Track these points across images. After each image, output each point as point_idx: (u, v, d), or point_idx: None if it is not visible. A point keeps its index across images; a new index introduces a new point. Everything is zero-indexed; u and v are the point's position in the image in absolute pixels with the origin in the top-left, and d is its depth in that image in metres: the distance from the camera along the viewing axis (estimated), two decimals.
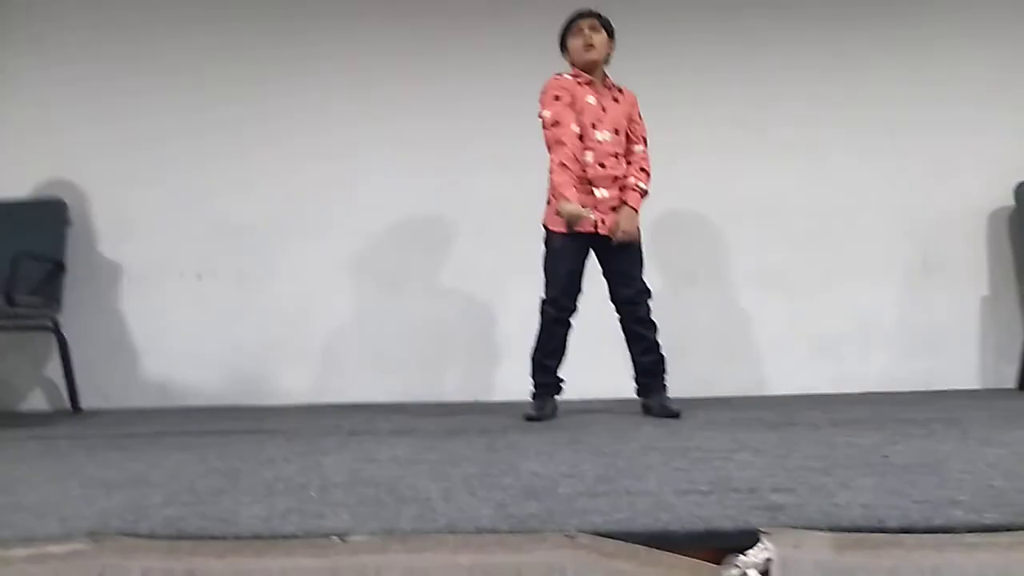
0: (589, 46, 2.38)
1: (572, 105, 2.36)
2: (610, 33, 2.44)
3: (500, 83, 3.24)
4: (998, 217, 3.33)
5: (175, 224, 3.27)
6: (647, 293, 2.43)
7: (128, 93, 3.30)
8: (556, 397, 2.47)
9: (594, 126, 2.37)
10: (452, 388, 3.21)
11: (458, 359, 3.26)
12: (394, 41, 3.32)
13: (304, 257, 3.26)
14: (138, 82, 3.30)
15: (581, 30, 2.40)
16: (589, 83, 2.41)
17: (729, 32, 3.32)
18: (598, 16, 2.43)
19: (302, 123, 3.29)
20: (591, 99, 2.39)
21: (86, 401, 3.13)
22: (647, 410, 2.43)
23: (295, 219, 3.27)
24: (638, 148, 2.46)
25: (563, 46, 2.47)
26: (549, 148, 2.35)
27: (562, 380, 2.47)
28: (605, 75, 2.46)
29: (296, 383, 3.20)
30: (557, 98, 2.36)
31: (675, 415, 2.33)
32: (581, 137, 2.36)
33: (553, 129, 2.33)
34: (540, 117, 2.37)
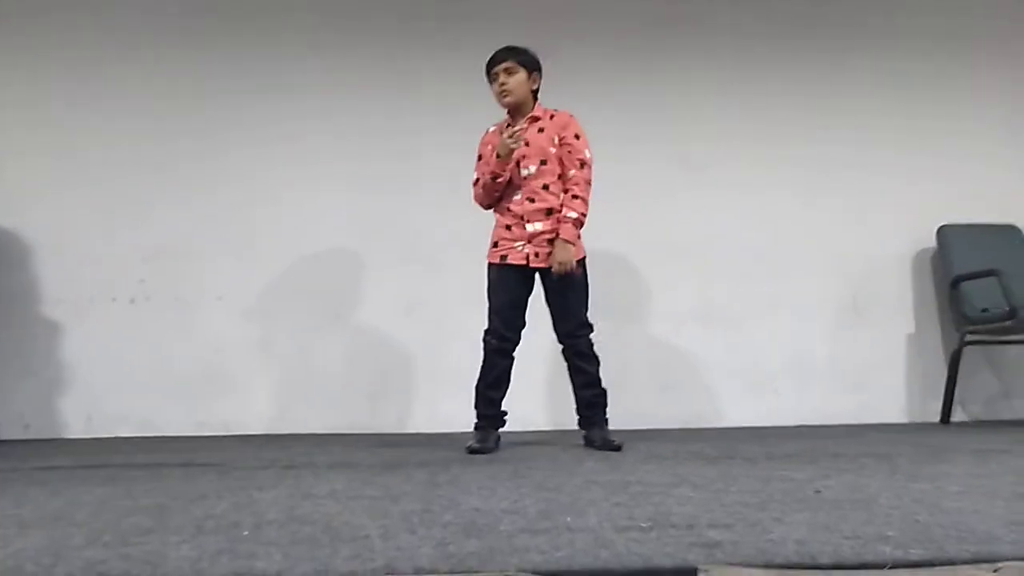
0: (503, 93, 2.41)
1: (491, 152, 2.41)
2: (530, 66, 2.42)
3: (453, 108, 3.26)
4: (922, 258, 3.50)
5: (109, 247, 3.15)
6: (587, 327, 2.43)
7: (59, 106, 3.19)
8: (499, 429, 2.46)
9: (518, 163, 2.40)
10: (394, 419, 3.17)
11: (401, 389, 3.22)
12: (342, 60, 3.31)
13: (244, 283, 3.18)
14: (70, 95, 3.20)
15: (496, 77, 2.41)
16: (510, 125, 2.45)
17: (665, 71, 3.43)
18: (513, 55, 2.40)
19: (245, 141, 3.24)
20: (504, 134, 2.39)
21: (5, 431, 2.96)
22: (588, 442, 2.44)
23: (235, 241, 3.19)
24: (571, 173, 2.38)
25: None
26: (477, 200, 2.49)
27: (504, 412, 2.46)
28: (533, 106, 2.45)
29: (233, 413, 3.11)
30: (480, 157, 2.48)
31: (616, 448, 2.34)
32: (511, 180, 2.40)
33: (474, 187, 2.47)
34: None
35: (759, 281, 3.38)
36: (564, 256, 2.36)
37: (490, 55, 2.43)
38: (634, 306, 3.34)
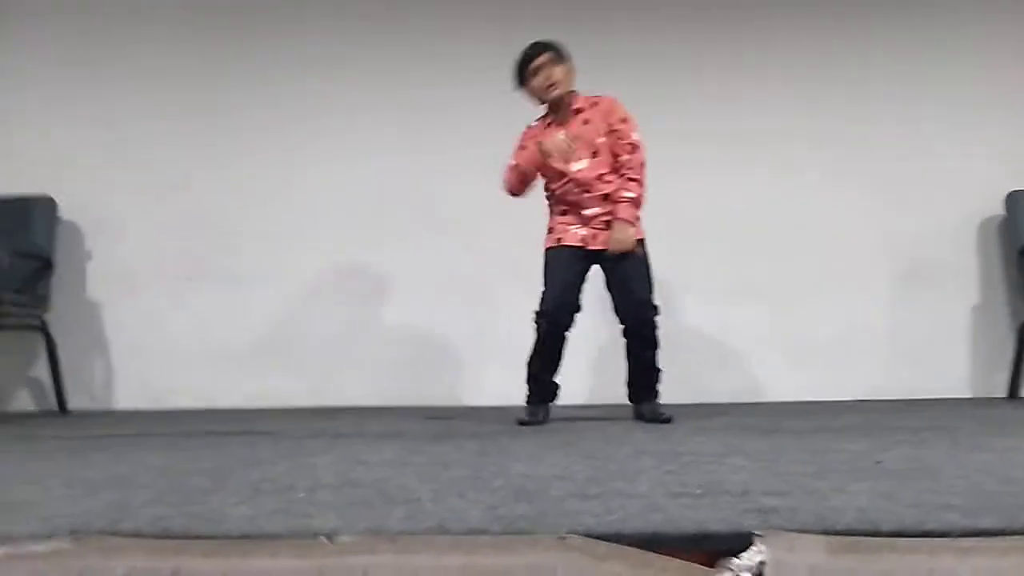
0: (551, 85, 2.34)
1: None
2: (566, 58, 2.37)
3: (489, 82, 3.21)
4: (988, 226, 3.35)
5: (166, 225, 3.25)
6: (652, 308, 2.36)
7: (121, 94, 3.29)
8: (550, 403, 2.45)
9: (567, 161, 2.36)
10: (442, 392, 3.20)
11: (448, 363, 3.25)
12: (379, 47, 3.31)
13: (294, 260, 3.24)
14: (130, 83, 3.29)
15: (536, 72, 2.33)
16: (553, 122, 2.39)
17: (706, 48, 3.33)
18: (547, 48, 2.34)
19: (292, 128, 3.29)
20: (561, 135, 2.35)
21: (73, 402, 3.10)
22: (638, 415, 2.43)
23: (285, 222, 3.25)
24: (623, 158, 2.34)
25: (519, 83, 2.39)
26: (506, 189, 2.45)
27: (557, 387, 2.45)
28: (573, 100, 2.39)
29: (285, 386, 3.18)
30: (523, 147, 2.42)
31: (666, 420, 2.32)
32: (560, 173, 2.36)
33: (509, 173, 2.42)
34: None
35: (811, 252, 3.29)
36: (623, 235, 2.31)
37: (518, 59, 2.35)
38: (683, 282, 3.28)
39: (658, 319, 2.37)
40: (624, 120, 2.36)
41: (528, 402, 2.44)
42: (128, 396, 3.17)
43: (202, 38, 3.30)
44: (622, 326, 2.39)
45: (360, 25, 3.31)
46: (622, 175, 2.34)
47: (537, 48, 2.36)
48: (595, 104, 2.40)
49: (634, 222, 2.33)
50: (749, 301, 3.28)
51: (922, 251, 3.32)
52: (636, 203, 2.33)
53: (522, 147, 2.42)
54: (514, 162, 2.42)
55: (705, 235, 3.27)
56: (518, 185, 2.41)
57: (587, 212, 2.35)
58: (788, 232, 3.29)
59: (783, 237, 3.28)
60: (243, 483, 1.37)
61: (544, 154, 2.31)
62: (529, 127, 2.46)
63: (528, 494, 1.24)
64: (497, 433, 2.14)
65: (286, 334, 3.22)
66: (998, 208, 3.29)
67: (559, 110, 2.39)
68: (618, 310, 2.39)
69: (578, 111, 2.39)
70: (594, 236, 2.35)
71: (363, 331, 3.25)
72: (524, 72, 2.37)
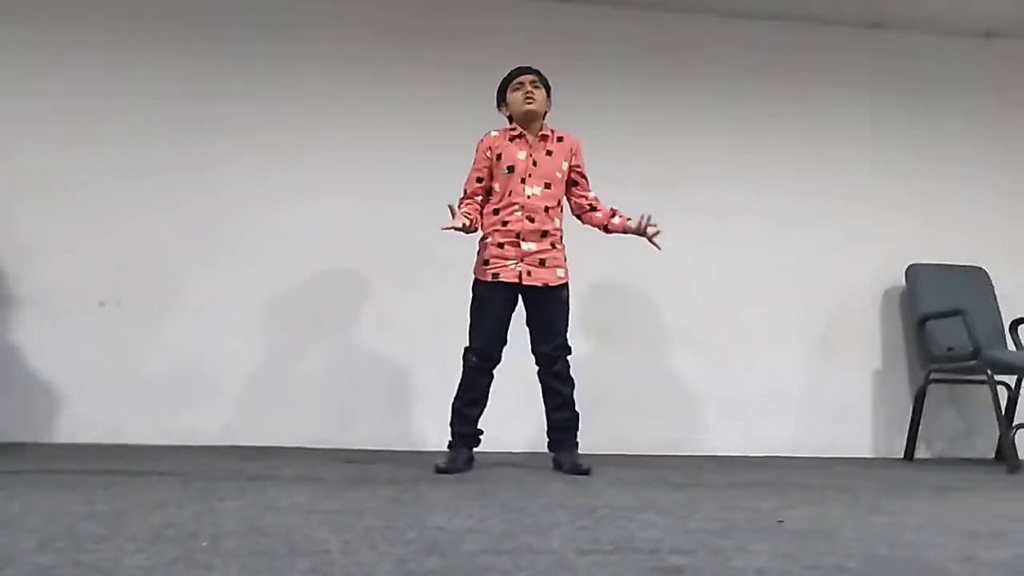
0: (529, 98, 2.45)
1: (499, 160, 2.44)
2: (548, 89, 2.53)
3: (431, 129, 3.28)
4: (891, 295, 3.57)
5: (77, 249, 3.09)
6: (566, 349, 2.44)
7: (38, 110, 3.14)
8: (473, 449, 2.45)
9: (523, 181, 2.42)
10: (364, 435, 3.13)
11: (374, 406, 3.19)
12: (328, 73, 3.30)
13: (215, 290, 3.14)
14: (51, 99, 3.15)
15: (523, 84, 2.47)
16: (520, 137, 2.47)
17: (646, 99, 3.46)
18: (537, 73, 2.51)
19: (225, 152, 3.21)
20: (522, 155, 2.44)
21: None
22: (557, 466, 2.44)
23: (209, 249, 3.15)
24: (591, 194, 2.56)
25: (501, 101, 2.53)
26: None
27: (480, 432, 2.45)
28: (541, 127, 2.50)
29: (200, 423, 3.05)
30: (476, 162, 2.49)
31: (584, 472, 2.34)
32: (510, 193, 2.42)
33: (463, 198, 2.48)
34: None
35: (737, 310, 3.41)
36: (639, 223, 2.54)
37: (509, 73, 2.50)
38: (613, 331, 3.35)
39: (570, 359, 2.46)
40: (585, 173, 2.56)
41: (451, 446, 2.42)
42: (27, 429, 2.98)
43: (138, 65, 3.21)
44: (538, 365, 2.44)
45: (298, 65, 3.29)
46: (591, 207, 2.57)
47: (524, 68, 2.51)
48: (561, 139, 2.52)
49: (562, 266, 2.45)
50: (676, 353, 3.36)
51: (836, 316, 3.49)
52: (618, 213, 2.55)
53: (476, 164, 2.47)
54: (468, 179, 2.50)
55: (639, 287, 3.36)
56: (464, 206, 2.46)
57: (526, 247, 2.40)
58: (717, 290, 3.41)
59: (715, 295, 3.40)
60: (143, 529, 1.31)
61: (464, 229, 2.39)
62: (490, 135, 2.49)
63: (441, 548, 1.23)
64: (416, 479, 2.12)
65: (203, 368, 3.10)
66: (901, 279, 3.51)
67: (529, 128, 2.48)
68: (537, 347, 2.43)
69: (544, 137, 2.50)
70: (528, 273, 2.40)
71: (286, 369, 3.16)
72: (508, 84, 2.49)
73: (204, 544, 1.21)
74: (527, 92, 2.45)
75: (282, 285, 3.19)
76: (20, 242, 3.07)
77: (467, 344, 2.42)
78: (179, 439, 3.00)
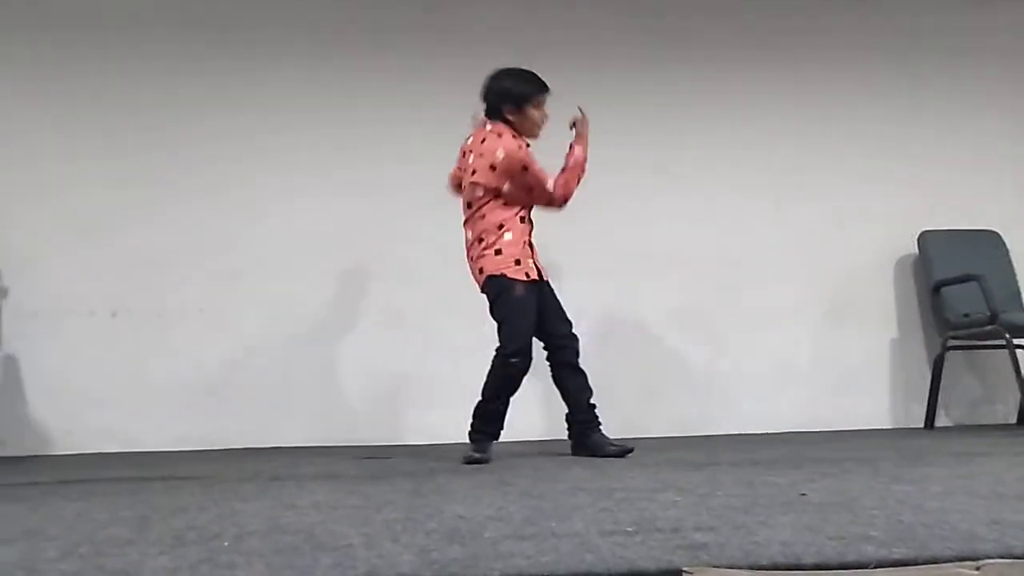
0: (542, 125, 2.43)
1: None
2: None
3: (422, 122, 3.26)
4: (904, 264, 3.53)
5: (89, 262, 3.11)
6: (573, 329, 2.47)
7: (33, 116, 3.14)
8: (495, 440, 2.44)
9: None
10: (379, 431, 3.14)
11: (388, 401, 3.20)
12: (324, 72, 3.30)
13: (224, 297, 3.15)
14: (46, 108, 3.16)
15: (543, 104, 2.41)
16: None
17: (643, 79, 3.43)
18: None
19: (223, 154, 3.21)
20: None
21: None
22: (591, 449, 2.40)
23: (212, 253, 3.16)
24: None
25: (517, 102, 2.39)
26: (567, 200, 2.42)
27: (503, 427, 2.44)
28: None
29: (216, 427, 3.07)
30: (463, 154, 2.45)
31: (628, 451, 2.34)
32: (551, 200, 2.44)
33: (558, 187, 2.39)
34: (524, 164, 2.35)
35: (742, 288, 3.40)
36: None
37: (539, 78, 2.42)
38: (619, 315, 3.34)
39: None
40: None
41: (476, 439, 2.40)
42: (42, 442, 3.00)
43: (131, 72, 3.21)
44: (558, 351, 2.42)
45: (290, 65, 3.27)
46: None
47: (547, 88, 2.42)
48: None
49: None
50: (684, 334, 3.36)
51: (844, 288, 3.47)
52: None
53: (537, 163, 2.39)
54: (576, 173, 2.43)
55: (642, 270, 3.35)
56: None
57: (535, 246, 2.44)
58: (722, 269, 3.39)
59: (717, 274, 3.39)
60: (165, 532, 1.31)
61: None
62: (520, 139, 2.39)
63: (462, 536, 1.23)
64: (434, 472, 2.12)
65: (217, 373, 3.11)
66: (912, 247, 3.48)
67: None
68: (550, 335, 2.42)
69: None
70: (542, 267, 2.45)
71: (299, 370, 3.17)
72: (537, 96, 2.39)
73: (227, 544, 1.21)
74: (545, 119, 2.42)
75: (287, 285, 3.19)
76: (23, 255, 3.08)
77: (508, 347, 2.34)
78: (195, 444, 3.02)
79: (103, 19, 3.21)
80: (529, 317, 2.37)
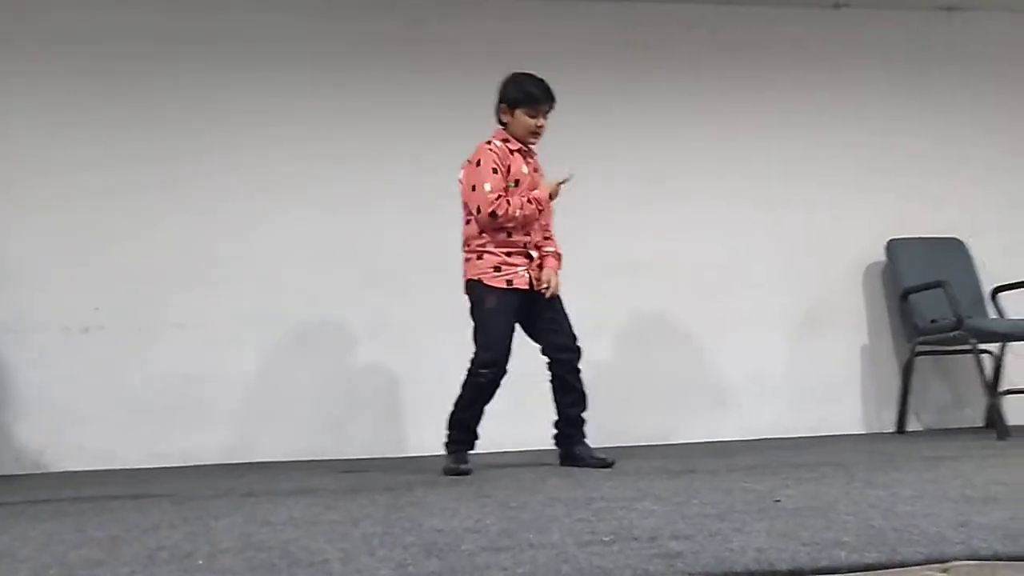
0: (539, 133, 2.41)
1: (508, 173, 2.38)
2: None
3: (408, 135, 3.27)
4: (872, 271, 3.60)
5: (60, 274, 3.06)
6: (576, 343, 2.44)
7: (12, 132, 3.11)
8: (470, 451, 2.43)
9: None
10: (358, 445, 3.12)
11: (365, 415, 3.18)
12: (304, 86, 3.29)
13: (200, 308, 3.11)
14: (24, 121, 3.12)
15: (538, 115, 2.39)
16: (519, 150, 2.42)
17: (625, 89, 3.47)
18: (554, 103, 2.40)
19: (202, 167, 3.19)
20: (524, 169, 2.41)
21: None
22: (573, 460, 2.40)
23: (191, 268, 3.13)
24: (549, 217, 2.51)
25: (507, 102, 2.39)
26: (498, 218, 2.32)
27: (477, 436, 2.44)
28: None
29: (192, 443, 3.03)
30: (495, 171, 2.34)
31: (608, 465, 2.33)
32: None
33: (498, 201, 2.31)
34: (473, 187, 2.34)
35: (718, 296, 3.43)
36: (556, 281, 2.42)
37: (542, 86, 2.38)
38: (597, 323, 3.35)
39: None
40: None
41: (454, 451, 2.38)
42: (13, 461, 2.94)
43: (112, 84, 3.18)
44: (556, 363, 2.41)
45: (274, 78, 3.26)
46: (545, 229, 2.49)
47: (551, 93, 2.39)
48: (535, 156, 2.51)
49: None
50: (661, 342, 3.38)
51: (817, 296, 3.52)
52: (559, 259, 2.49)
53: (494, 170, 2.33)
54: (498, 194, 2.32)
55: (620, 278, 3.37)
56: (521, 222, 2.35)
57: (533, 255, 2.42)
58: (699, 278, 3.43)
59: (695, 283, 3.42)
60: (137, 552, 1.29)
61: (553, 195, 2.40)
62: (496, 144, 2.39)
63: (439, 549, 1.23)
64: (412, 485, 2.11)
65: (192, 387, 3.07)
66: (881, 255, 3.54)
67: (526, 145, 2.44)
68: (551, 348, 2.42)
69: (533, 153, 2.48)
70: (537, 279, 2.41)
71: (275, 383, 3.14)
72: (526, 101, 2.36)
73: (200, 563, 1.19)
74: (540, 126, 2.40)
75: (266, 299, 3.16)
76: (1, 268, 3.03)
77: (478, 357, 2.33)
78: (172, 461, 2.97)
79: (89, 32, 3.18)
80: (502, 327, 2.35)
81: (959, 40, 3.76)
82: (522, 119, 2.39)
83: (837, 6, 3.68)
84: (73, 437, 2.98)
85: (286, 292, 3.18)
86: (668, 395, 3.36)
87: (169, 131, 3.18)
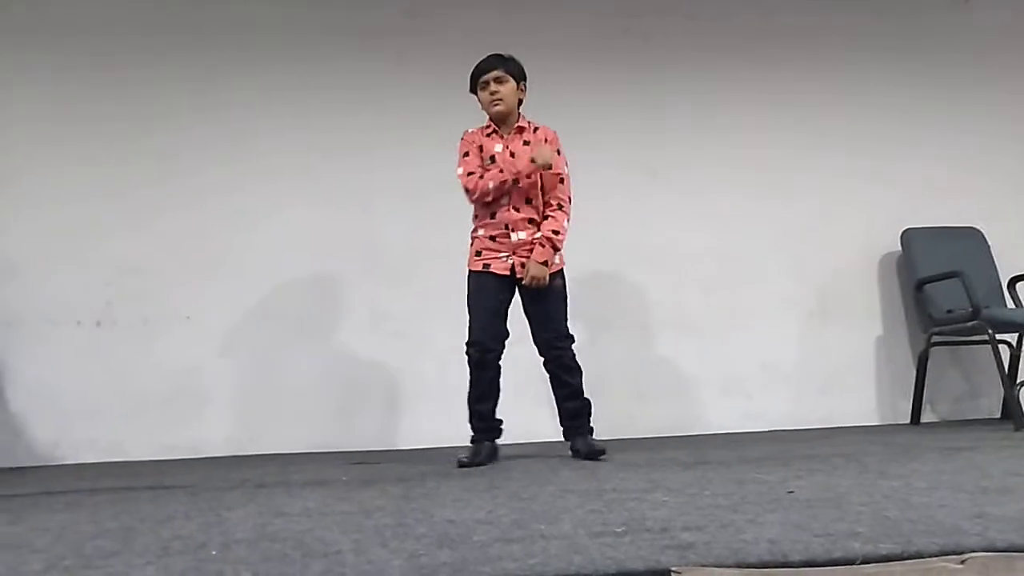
0: (495, 102, 2.40)
1: (480, 155, 2.42)
2: (518, 76, 2.43)
3: (402, 126, 3.26)
4: (887, 261, 3.56)
5: (71, 268, 3.08)
6: (568, 338, 2.42)
7: (17, 125, 3.11)
8: (496, 440, 2.42)
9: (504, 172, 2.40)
10: (369, 436, 3.13)
11: (375, 406, 3.19)
12: (304, 77, 3.28)
13: (206, 301, 3.12)
14: (29, 116, 3.13)
15: (487, 85, 2.40)
16: (495, 132, 2.45)
17: (628, 80, 3.44)
18: (503, 63, 2.40)
19: (207, 161, 3.19)
20: (499, 147, 2.42)
21: None
22: (575, 453, 2.42)
23: (196, 261, 3.13)
24: (551, 191, 2.41)
25: (472, 91, 2.46)
26: (472, 192, 2.39)
27: (497, 423, 2.43)
28: (519, 117, 2.46)
29: (203, 435, 3.05)
30: (466, 154, 2.43)
31: (600, 453, 2.33)
32: (504, 193, 2.40)
33: (469, 178, 2.39)
34: (458, 177, 2.41)
35: (728, 287, 3.41)
36: (537, 272, 2.36)
37: (476, 64, 2.41)
38: (606, 316, 3.34)
39: (574, 347, 2.43)
40: (559, 152, 2.43)
41: (472, 440, 2.41)
42: (27, 453, 2.97)
43: (113, 78, 3.18)
44: (541, 356, 2.43)
45: (273, 70, 3.25)
46: (548, 204, 2.40)
47: (490, 62, 2.40)
48: (536, 130, 2.45)
49: (550, 260, 2.37)
50: (671, 334, 3.36)
51: (830, 286, 3.49)
52: (554, 244, 2.37)
53: (466, 153, 2.40)
54: (469, 171, 2.38)
55: (630, 270, 3.36)
56: (494, 194, 2.36)
57: (516, 237, 2.39)
58: (710, 268, 3.40)
59: (706, 273, 3.40)
60: (152, 543, 1.30)
61: (542, 167, 2.35)
62: (468, 132, 2.46)
63: (451, 540, 1.23)
64: (424, 476, 2.11)
65: (204, 381, 3.09)
66: (895, 245, 3.51)
67: (503, 124, 2.44)
68: (536, 342, 2.43)
69: (521, 129, 2.45)
70: (522, 265, 2.38)
71: (283, 375, 3.15)
72: (475, 82, 2.41)
73: (214, 553, 1.20)
74: (492, 93, 2.39)
75: (271, 292, 3.18)
76: (8, 264, 3.05)
77: (467, 339, 2.40)
78: (183, 453, 3.00)
79: (84, 26, 3.18)
80: (479, 307, 2.37)
81: (974, 29, 3.70)
82: (480, 98, 2.44)
83: None
84: (87, 430, 3.00)
85: (290, 284, 3.18)
86: (680, 386, 3.34)
87: (177, 126, 3.19)
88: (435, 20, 3.36)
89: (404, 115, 3.27)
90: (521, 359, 2.45)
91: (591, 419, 2.46)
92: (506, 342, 2.41)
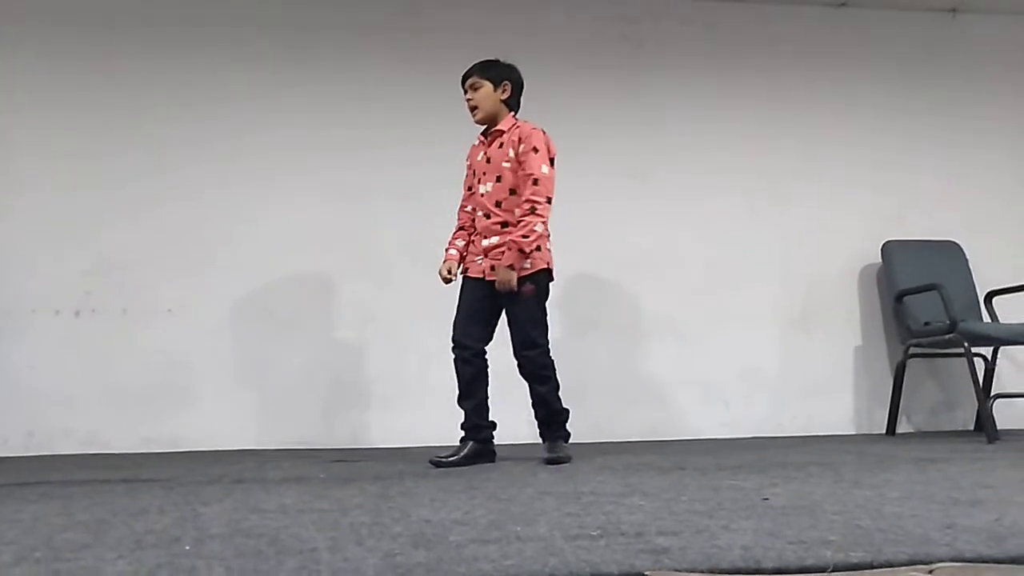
0: (472, 109, 2.43)
1: (468, 165, 2.52)
2: (496, 78, 2.39)
3: (396, 126, 3.26)
4: (868, 272, 3.60)
5: (51, 257, 3.05)
6: (534, 347, 2.35)
7: (2, 115, 3.08)
8: (484, 442, 2.40)
9: (479, 180, 2.43)
10: (349, 434, 3.12)
11: (356, 404, 3.18)
12: (295, 75, 3.27)
13: (189, 294, 3.10)
14: (15, 106, 3.10)
15: (465, 92, 2.43)
16: (482, 141, 2.48)
17: (617, 86, 3.46)
18: (478, 69, 2.40)
19: (195, 155, 3.18)
20: (480, 155, 2.46)
21: None
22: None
23: (180, 254, 3.12)
24: (525, 193, 2.33)
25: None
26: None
27: (482, 425, 2.41)
28: (507, 117, 2.42)
29: (181, 428, 3.02)
30: (467, 169, 2.53)
31: (558, 462, 2.31)
32: (473, 193, 2.47)
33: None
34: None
35: (711, 293, 3.44)
36: (504, 277, 2.33)
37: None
38: (589, 319, 3.36)
39: (543, 356, 2.37)
40: (535, 150, 2.33)
41: (461, 439, 2.41)
42: (5, 441, 2.93)
43: (103, 72, 3.15)
44: (517, 367, 2.41)
45: (266, 67, 3.24)
46: (521, 209, 2.32)
47: (470, 69, 2.43)
48: (516, 128, 2.40)
49: (517, 265, 2.31)
50: (654, 339, 3.39)
51: (811, 295, 3.52)
52: (522, 246, 2.30)
53: (469, 166, 2.52)
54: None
55: (613, 275, 3.37)
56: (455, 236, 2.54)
57: (486, 243, 2.40)
58: (693, 275, 3.43)
59: (688, 279, 3.42)
60: (124, 536, 1.29)
61: (498, 288, 2.36)
62: (473, 146, 2.53)
63: (427, 540, 1.23)
64: (402, 475, 2.11)
65: (181, 373, 3.07)
66: (876, 256, 3.55)
67: (490, 128, 2.44)
68: (513, 350, 2.41)
69: (500, 132, 2.42)
70: (492, 268, 2.37)
71: (265, 371, 3.14)
72: (463, 88, 2.45)
73: (187, 548, 1.19)
74: (468, 100, 2.42)
75: (256, 287, 3.16)
76: None
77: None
78: (161, 446, 2.97)
79: (77, 18, 3.16)
80: (459, 310, 2.43)
81: (961, 42, 3.76)
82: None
83: (838, 4, 3.67)
84: (62, 420, 2.97)
85: (275, 280, 3.17)
86: (660, 391, 3.36)
87: (162, 118, 3.17)
88: (436, 18, 3.36)
89: (399, 114, 3.28)
90: (497, 361, 2.44)
91: (564, 427, 2.44)
92: (486, 344, 2.41)
